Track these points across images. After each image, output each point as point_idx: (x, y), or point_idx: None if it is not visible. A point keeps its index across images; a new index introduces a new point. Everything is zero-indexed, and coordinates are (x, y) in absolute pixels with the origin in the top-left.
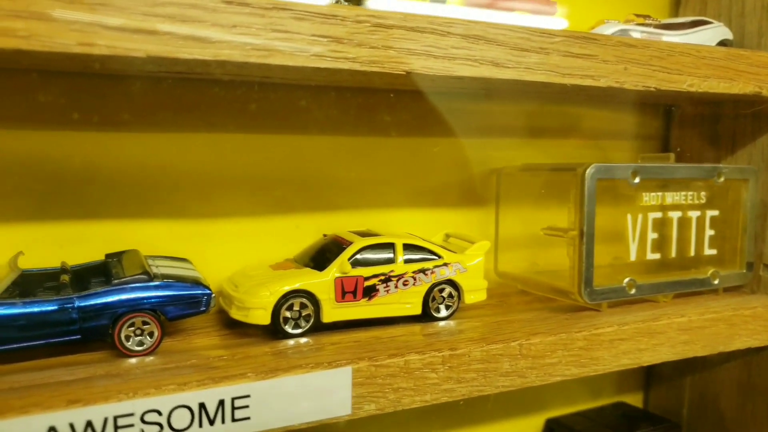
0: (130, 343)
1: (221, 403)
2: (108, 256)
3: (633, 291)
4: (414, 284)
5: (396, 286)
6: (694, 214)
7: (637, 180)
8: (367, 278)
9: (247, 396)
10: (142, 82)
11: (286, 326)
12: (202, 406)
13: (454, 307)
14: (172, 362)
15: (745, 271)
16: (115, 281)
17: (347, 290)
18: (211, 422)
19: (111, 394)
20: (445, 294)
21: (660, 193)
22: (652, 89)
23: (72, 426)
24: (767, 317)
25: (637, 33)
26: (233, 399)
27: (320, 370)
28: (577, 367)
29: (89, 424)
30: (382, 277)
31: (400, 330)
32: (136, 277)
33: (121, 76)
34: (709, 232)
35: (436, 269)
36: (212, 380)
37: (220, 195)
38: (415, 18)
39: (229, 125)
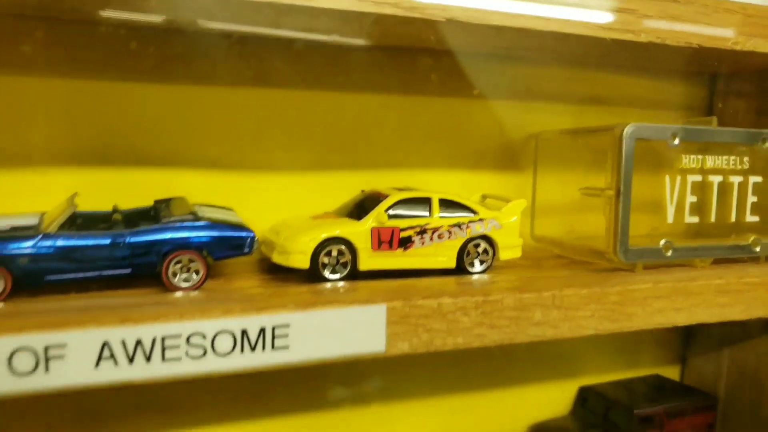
0: (176, 279)
1: (262, 330)
2: (157, 201)
3: (669, 253)
4: (449, 238)
5: (431, 239)
6: (735, 180)
7: (676, 141)
8: (402, 229)
9: (287, 326)
10: (196, 37)
11: (325, 271)
12: (244, 332)
13: (489, 262)
14: (216, 296)
15: None
16: (164, 220)
17: (383, 240)
18: (252, 348)
19: (160, 317)
20: (480, 249)
21: (700, 156)
22: (694, 46)
23: (123, 342)
24: None
25: None
26: (274, 327)
27: (357, 306)
28: (610, 322)
29: (139, 342)
30: (418, 229)
31: (435, 280)
32: (184, 217)
33: (178, 31)
34: (752, 199)
35: (471, 224)
36: (255, 309)
37: (264, 149)
38: None
39: (274, 82)
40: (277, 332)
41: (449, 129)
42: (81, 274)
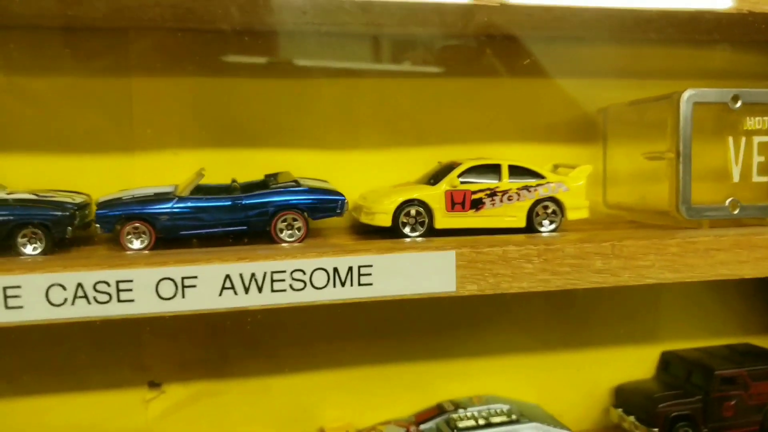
0: (283, 234)
1: (350, 269)
2: (266, 175)
3: (736, 211)
4: (518, 199)
5: (501, 201)
6: None
7: (738, 104)
8: (474, 192)
9: (370, 266)
10: (291, 36)
11: (405, 229)
12: (335, 270)
13: (558, 222)
14: (314, 246)
15: None
16: (272, 187)
17: (456, 201)
18: (342, 284)
19: (269, 256)
20: (548, 210)
21: (766, 118)
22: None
23: (241, 275)
24: None
25: None
26: (359, 267)
27: (429, 251)
28: (671, 272)
29: (253, 275)
30: (488, 192)
31: (506, 236)
32: (288, 184)
33: (274, 33)
34: None
35: (538, 187)
36: (344, 252)
37: (354, 131)
38: None
39: (358, 73)
40: (362, 271)
41: (519, 107)
42: (208, 230)
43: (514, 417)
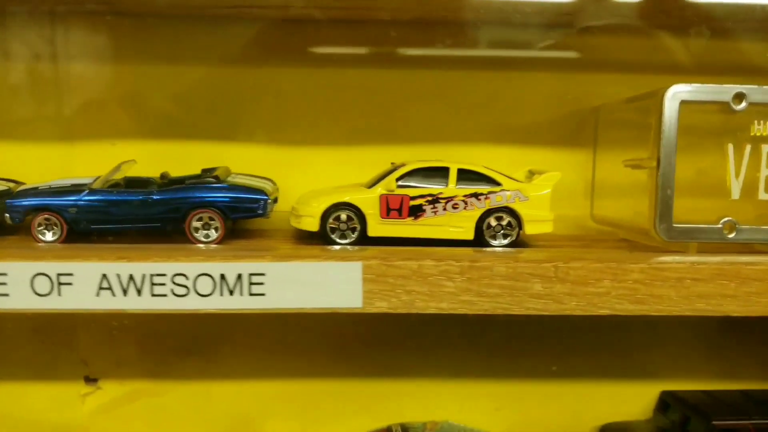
0: (198, 234)
1: (239, 276)
2: (203, 170)
3: (733, 234)
4: (465, 208)
5: (444, 209)
6: None
7: (742, 105)
8: (413, 198)
9: (263, 274)
10: (239, 23)
11: (333, 235)
12: (222, 276)
13: (513, 236)
14: (220, 249)
15: None
16: (188, 182)
17: (392, 207)
18: (231, 292)
19: (150, 257)
20: (503, 222)
21: None
22: None
23: (118, 276)
24: None
25: None
26: (250, 275)
27: (332, 261)
28: (632, 303)
29: (131, 277)
30: (429, 198)
31: (449, 250)
32: (205, 179)
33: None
34: None
35: (490, 195)
36: (235, 257)
37: (305, 125)
38: None
39: (315, 60)
40: (253, 279)
41: (495, 103)
42: (119, 226)
43: None
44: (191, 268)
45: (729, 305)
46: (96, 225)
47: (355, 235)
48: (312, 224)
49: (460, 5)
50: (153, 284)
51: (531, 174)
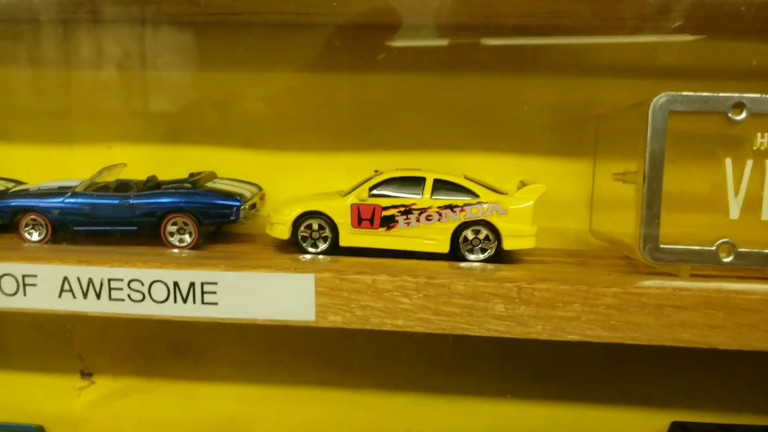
0: (173, 238)
1: (192, 285)
2: (191, 174)
3: (729, 258)
4: (439, 220)
5: (417, 220)
6: None
7: (742, 116)
8: (385, 208)
9: (215, 283)
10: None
11: (305, 243)
12: (176, 284)
13: (491, 251)
14: (188, 255)
15: None
16: (164, 186)
17: (363, 217)
18: (184, 300)
19: (107, 261)
20: (481, 236)
21: None
22: None
23: (79, 279)
24: None
25: None
26: (203, 283)
27: (284, 273)
28: (605, 330)
29: (90, 280)
30: (402, 209)
31: (422, 263)
32: (180, 185)
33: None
34: None
35: (466, 207)
36: (189, 265)
37: (291, 130)
38: None
39: (301, 65)
40: (206, 288)
41: (489, 109)
42: (99, 228)
43: None
44: (146, 274)
45: (717, 337)
46: (78, 227)
47: (327, 244)
48: (283, 232)
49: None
50: (111, 289)
51: (522, 185)
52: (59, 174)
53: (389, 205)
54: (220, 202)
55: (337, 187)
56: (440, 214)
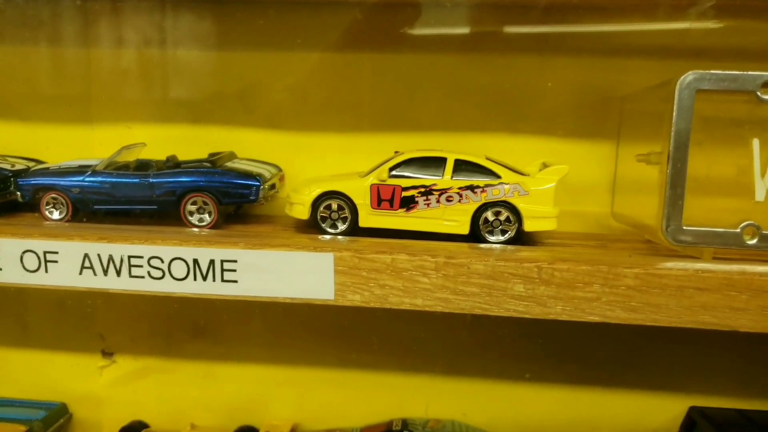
0: (192, 218)
1: (212, 262)
2: (210, 154)
3: (754, 241)
4: (460, 201)
5: (438, 201)
6: None
7: None
8: (405, 188)
9: (235, 261)
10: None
11: (324, 224)
12: (195, 261)
13: (511, 232)
14: (208, 233)
15: None
16: (183, 166)
17: (383, 198)
18: (204, 278)
19: (129, 239)
20: (501, 218)
21: None
22: None
23: (99, 256)
24: None
25: None
26: (222, 261)
27: (303, 251)
28: (625, 311)
29: (110, 257)
30: (422, 190)
31: (442, 244)
32: (200, 164)
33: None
34: None
35: (487, 188)
36: (208, 243)
37: (311, 111)
38: None
39: (322, 45)
40: (225, 266)
41: (513, 90)
42: (120, 207)
43: None
44: (166, 251)
45: (738, 319)
46: (99, 205)
47: (346, 225)
48: (302, 212)
49: None
50: (131, 266)
51: (544, 166)
52: (80, 153)
53: (409, 185)
54: (240, 181)
55: (357, 168)
56: (461, 195)
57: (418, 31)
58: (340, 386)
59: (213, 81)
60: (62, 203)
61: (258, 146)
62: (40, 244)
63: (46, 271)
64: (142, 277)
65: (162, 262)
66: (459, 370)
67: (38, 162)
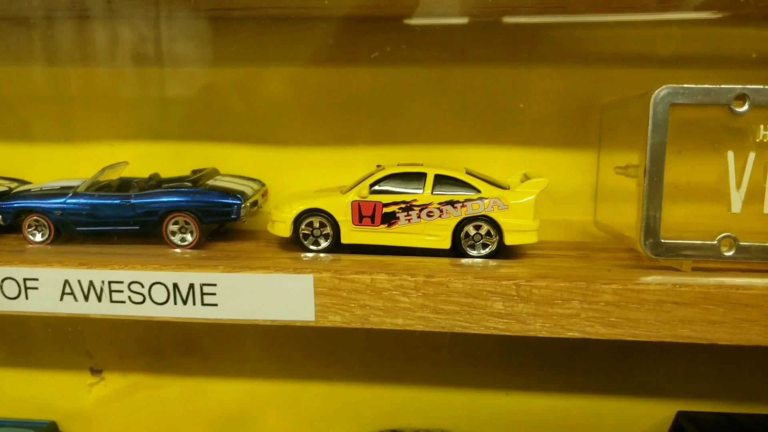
0: (175, 237)
1: (191, 286)
2: (193, 171)
3: (731, 252)
4: (440, 216)
5: (419, 217)
6: None
7: (744, 108)
8: (386, 205)
9: (214, 284)
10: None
11: (306, 241)
12: (175, 286)
13: (493, 246)
14: (189, 255)
15: None
16: (164, 185)
17: (365, 214)
18: (184, 302)
19: (109, 264)
20: (482, 232)
21: None
22: None
23: (80, 282)
24: None
25: None
26: (202, 285)
27: (283, 273)
28: (605, 327)
29: (91, 283)
30: (403, 206)
31: (422, 261)
32: (182, 183)
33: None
34: None
35: (467, 203)
36: (188, 266)
37: (296, 125)
38: None
39: (301, 60)
40: (205, 290)
41: (493, 101)
42: (101, 228)
43: None
44: (146, 276)
45: (716, 332)
46: (81, 227)
47: (328, 242)
48: (284, 230)
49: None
50: (112, 291)
51: (526, 177)
52: (63, 173)
53: (390, 201)
54: (221, 200)
55: (340, 181)
56: (441, 210)
57: (399, 44)
58: (328, 400)
59: (195, 97)
60: (44, 225)
61: (241, 161)
62: (20, 271)
63: (27, 297)
64: (123, 302)
65: (142, 287)
66: (446, 381)
67: (20, 182)
